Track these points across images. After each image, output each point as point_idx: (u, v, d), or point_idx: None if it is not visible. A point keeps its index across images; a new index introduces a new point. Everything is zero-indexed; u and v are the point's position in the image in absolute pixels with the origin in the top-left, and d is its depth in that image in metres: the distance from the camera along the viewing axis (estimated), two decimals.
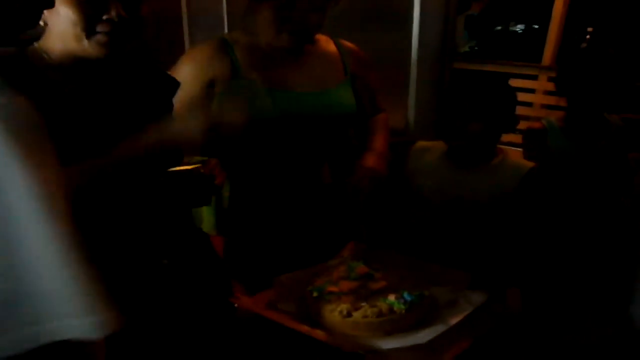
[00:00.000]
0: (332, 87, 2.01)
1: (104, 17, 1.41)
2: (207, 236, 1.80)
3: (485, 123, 1.93)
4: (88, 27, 1.41)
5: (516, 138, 4.06)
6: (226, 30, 3.73)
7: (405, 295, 1.54)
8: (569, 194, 2.14)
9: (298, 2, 1.83)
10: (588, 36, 4.76)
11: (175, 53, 3.02)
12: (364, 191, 1.90)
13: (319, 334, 1.47)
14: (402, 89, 3.23)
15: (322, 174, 2.01)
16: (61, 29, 1.44)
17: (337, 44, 2.09)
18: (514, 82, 4.23)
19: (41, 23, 1.46)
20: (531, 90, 4.26)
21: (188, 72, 1.90)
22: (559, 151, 2.26)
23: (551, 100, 4.16)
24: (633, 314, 1.62)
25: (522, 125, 4.04)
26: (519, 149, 3.09)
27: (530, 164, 2.03)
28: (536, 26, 6.44)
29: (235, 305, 1.61)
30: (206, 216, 1.95)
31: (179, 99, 1.85)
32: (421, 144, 2.19)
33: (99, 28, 1.42)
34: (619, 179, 2.13)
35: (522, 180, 1.96)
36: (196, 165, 1.55)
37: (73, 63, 1.49)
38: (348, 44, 2.12)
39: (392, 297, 1.54)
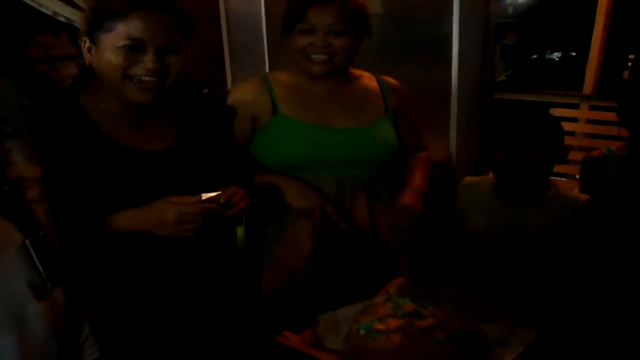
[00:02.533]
0: (372, 124, 1.97)
1: (142, 65, 1.49)
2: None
3: (544, 156, 1.87)
4: (125, 73, 1.49)
5: (564, 168, 4.00)
6: (267, 68, 3.74)
7: (455, 332, 1.47)
8: (629, 227, 2.04)
9: (317, 27, 1.83)
10: (630, 63, 4.67)
11: (220, 89, 3.03)
12: (402, 228, 1.85)
13: None
14: (443, 121, 3.17)
15: (361, 212, 1.96)
16: (104, 72, 1.52)
17: (378, 80, 2.07)
18: (556, 112, 4.16)
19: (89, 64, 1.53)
20: (573, 120, 4.18)
21: (234, 110, 1.91)
22: (618, 181, 2.16)
23: (594, 129, 4.09)
24: None
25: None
26: (562, 179, 3.02)
27: (584, 197, 1.95)
28: (573, 54, 6.35)
29: (280, 342, 1.56)
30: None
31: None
32: (469, 179, 2.13)
33: (132, 72, 1.50)
34: None
35: (578, 213, 1.89)
36: (217, 193, 1.54)
37: (123, 108, 1.55)
38: (390, 80, 2.09)
39: (440, 335, 1.47)
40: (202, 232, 1.53)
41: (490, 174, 2.04)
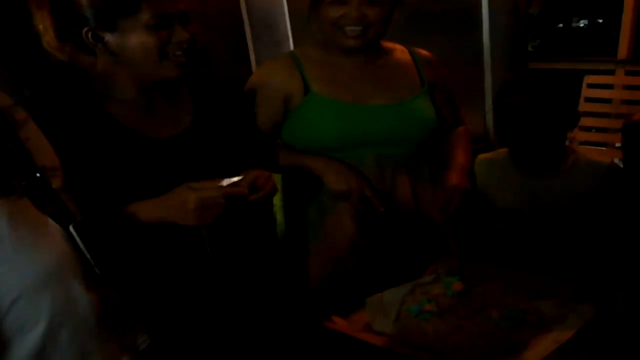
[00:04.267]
0: (409, 99, 1.93)
1: (173, 40, 1.46)
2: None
3: (551, 121, 1.83)
4: (162, 51, 1.46)
5: (599, 137, 3.94)
6: (291, 44, 3.70)
7: (510, 311, 1.45)
8: None
9: None
10: None
11: (243, 70, 3.01)
12: (455, 209, 1.82)
13: (421, 355, 1.38)
14: (478, 93, 3.14)
15: (404, 192, 1.93)
16: (135, 56, 1.47)
17: (412, 53, 2.01)
18: (590, 79, 4.09)
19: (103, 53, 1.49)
20: (609, 86, 4.10)
21: (261, 93, 1.87)
22: None
23: (631, 95, 4.02)
24: None
25: (603, 122, 3.92)
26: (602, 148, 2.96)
27: (607, 160, 1.94)
28: (600, 20, 6.27)
29: (329, 328, 1.55)
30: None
31: (260, 121, 1.86)
32: (483, 156, 2.10)
33: (169, 50, 1.47)
34: None
35: (604, 178, 1.87)
36: (239, 178, 1.48)
37: (138, 94, 1.53)
38: (424, 52, 2.04)
39: (494, 314, 1.45)
40: (229, 219, 1.50)
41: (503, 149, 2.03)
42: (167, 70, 1.49)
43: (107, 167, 1.45)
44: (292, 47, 3.62)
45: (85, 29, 1.45)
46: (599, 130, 4.03)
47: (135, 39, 1.45)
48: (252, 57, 3.74)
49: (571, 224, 1.87)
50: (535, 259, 1.83)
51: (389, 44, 1.99)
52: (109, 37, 1.45)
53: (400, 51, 2.00)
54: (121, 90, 1.52)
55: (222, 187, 1.43)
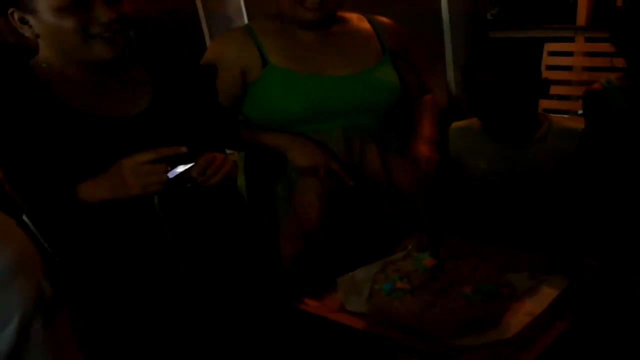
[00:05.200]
0: (371, 67, 1.93)
1: (96, 20, 1.42)
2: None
3: (517, 94, 1.86)
4: (84, 32, 1.42)
5: (561, 104, 4.00)
6: (245, 19, 3.67)
7: (482, 286, 1.47)
8: (634, 155, 2.06)
9: None
10: None
11: (196, 47, 2.98)
12: (428, 182, 1.83)
13: (392, 334, 1.41)
14: (439, 64, 3.16)
15: (373, 163, 1.93)
16: (57, 39, 1.45)
17: (371, 21, 2.01)
18: (550, 46, 4.14)
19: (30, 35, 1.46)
20: (569, 54, 4.16)
21: (217, 67, 1.86)
22: (621, 111, 2.17)
23: (591, 62, 4.08)
24: None
25: (565, 90, 3.98)
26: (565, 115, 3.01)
27: (580, 126, 1.98)
28: None
29: (301, 309, 1.56)
30: None
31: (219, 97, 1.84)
32: (457, 124, 2.13)
33: (93, 30, 1.43)
34: None
35: (579, 145, 1.91)
36: (191, 165, 1.46)
37: (84, 73, 1.50)
38: (383, 19, 2.04)
39: (467, 290, 1.47)
40: (187, 201, 1.50)
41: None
42: (98, 51, 1.45)
43: (54, 149, 1.42)
44: (246, 22, 3.60)
45: (10, 11, 1.42)
46: (561, 97, 4.09)
47: (53, 21, 1.41)
48: (206, 32, 3.71)
49: (545, 192, 1.91)
50: (508, 230, 1.87)
51: (347, 14, 1.99)
52: (30, 19, 1.43)
53: (358, 20, 2.00)
54: (63, 71, 1.49)
55: (159, 150, 1.41)
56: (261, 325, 1.62)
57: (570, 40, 4.23)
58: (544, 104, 4.13)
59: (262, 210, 1.96)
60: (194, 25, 3.59)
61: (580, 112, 3.83)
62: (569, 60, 4.15)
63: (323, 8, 1.81)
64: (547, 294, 1.49)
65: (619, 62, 2.24)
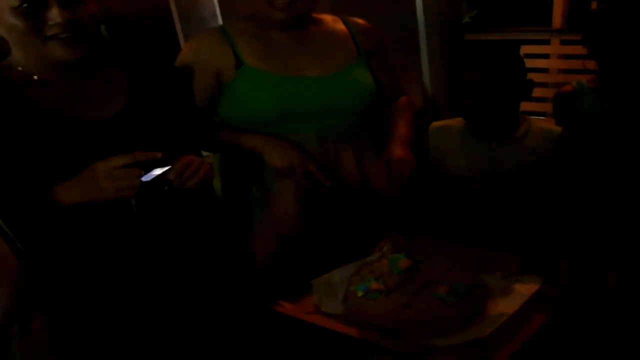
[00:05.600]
0: (346, 69, 1.95)
1: (49, 22, 1.42)
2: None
3: (497, 95, 1.91)
4: (37, 32, 1.43)
5: (538, 106, 4.04)
6: (220, 20, 3.68)
7: (456, 286, 1.49)
8: (606, 158, 2.10)
9: None
10: None
11: (170, 48, 2.97)
12: (403, 184, 1.85)
13: (368, 335, 1.43)
14: (415, 67, 3.18)
15: (349, 165, 1.95)
16: (16, 39, 1.46)
17: (345, 22, 2.03)
18: (526, 49, 4.18)
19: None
20: (545, 56, 4.21)
21: (192, 68, 1.87)
22: (591, 114, 2.21)
23: (567, 64, 4.13)
24: None
25: (541, 92, 4.02)
26: (541, 117, 3.05)
27: (558, 128, 2.01)
28: None
29: (276, 311, 1.57)
30: None
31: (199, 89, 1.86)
32: (437, 124, 2.17)
33: (48, 31, 1.43)
34: None
35: (556, 146, 1.95)
36: (168, 168, 1.47)
37: (56, 74, 1.51)
38: (359, 20, 2.06)
39: (441, 291, 1.49)
40: (164, 205, 1.51)
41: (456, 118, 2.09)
42: (55, 52, 1.46)
43: (27, 151, 1.43)
44: (220, 23, 3.60)
45: None
46: (537, 99, 4.13)
47: (10, 21, 1.42)
48: (180, 33, 3.70)
49: (521, 193, 1.94)
50: (484, 229, 1.90)
51: (321, 15, 2.01)
52: None
53: (333, 21, 2.03)
54: (35, 72, 1.50)
55: (134, 154, 1.41)
56: (237, 326, 1.63)
57: (546, 42, 4.28)
58: (521, 105, 4.18)
59: (238, 213, 1.97)
60: (168, 25, 3.58)
61: None
62: (545, 63, 4.20)
63: (292, 8, 1.83)
64: (520, 294, 1.51)
65: (591, 64, 2.28)
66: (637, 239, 1.86)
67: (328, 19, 2.03)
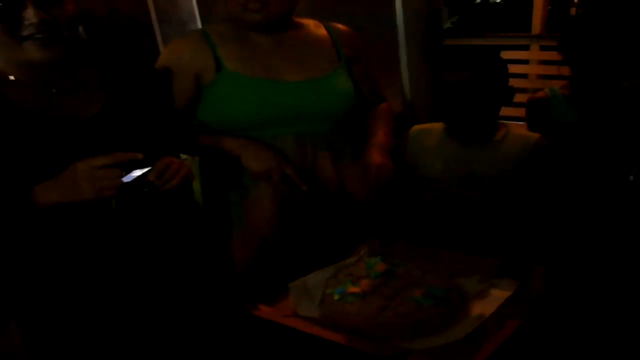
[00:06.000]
0: (326, 75, 1.97)
1: (25, 22, 1.42)
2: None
3: (480, 98, 1.93)
4: (12, 33, 1.43)
5: (516, 112, 4.08)
6: (199, 23, 3.69)
7: (432, 290, 1.51)
8: (579, 164, 2.14)
9: None
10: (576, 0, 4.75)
11: (149, 51, 2.98)
12: (380, 190, 1.87)
13: (344, 338, 1.43)
14: (394, 72, 3.20)
15: (326, 170, 1.97)
16: None
17: (327, 28, 2.05)
18: (506, 55, 4.22)
19: None
20: (525, 62, 4.25)
21: (172, 70, 1.88)
22: (563, 121, 2.25)
23: (546, 70, 4.17)
24: None
25: (520, 97, 4.06)
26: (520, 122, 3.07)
27: (535, 135, 2.04)
28: None
29: (254, 314, 1.58)
30: None
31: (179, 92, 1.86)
32: (418, 127, 2.19)
33: (24, 31, 1.43)
34: (631, 147, 2.13)
35: (532, 152, 1.97)
36: (148, 169, 1.47)
37: (33, 74, 1.51)
38: (341, 26, 2.08)
39: (417, 294, 1.51)
40: (143, 207, 1.51)
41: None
42: (30, 52, 1.45)
43: (4, 151, 1.43)
44: (199, 25, 3.61)
45: None
46: (517, 105, 4.16)
47: None
48: (158, 35, 3.71)
49: (497, 197, 1.96)
50: (461, 233, 1.92)
51: (303, 20, 2.03)
52: None
53: (315, 26, 2.04)
54: (12, 72, 1.50)
55: (114, 155, 1.41)
56: (214, 329, 1.63)
57: (526, 48, 4.32)
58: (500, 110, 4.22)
59: (216, 216, 1.98)
60: (146, 26, 3.59)
61: None
62: (524, 68, 4.24)
63: (266, 10, 1.84)
64: (496, 297, 1.53)
65: (566, 70, 2.31)
66: (606, 244, 1.90)
67: (310, 23, 2.04)
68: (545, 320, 1.52)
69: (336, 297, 1.53)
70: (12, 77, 1.50)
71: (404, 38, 3.25)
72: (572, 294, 1.65)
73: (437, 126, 2.10)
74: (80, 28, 1.57)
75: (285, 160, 1.85)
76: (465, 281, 1.60)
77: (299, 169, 1.87)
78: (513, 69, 4.18)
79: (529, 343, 1.47)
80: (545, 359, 1.48)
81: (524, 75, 4.22)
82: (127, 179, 1.42)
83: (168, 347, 1.59)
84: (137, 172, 1.44)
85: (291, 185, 1.84)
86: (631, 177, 2.11)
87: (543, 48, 4.27)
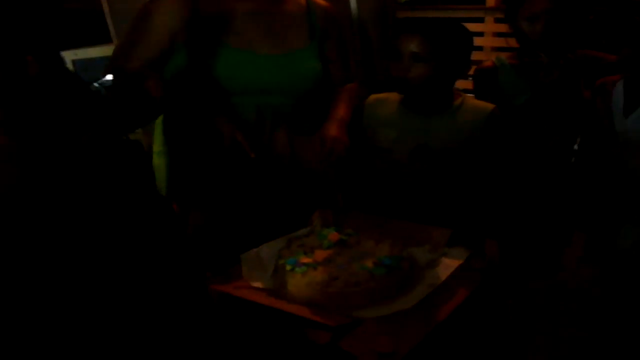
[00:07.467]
0: (296, 50, 2.00)
1: None
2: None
3: (438, 63, 1.94)
4: None
5: (465, 84, 4.13)
6: None
7: (383, 259, 1.55)
8: (526, 133, 2.19)
9: None
10: None
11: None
12: (335, 161, 1.90)
13: (297, 309, 1.46)
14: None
15: (281, 142, 2.00)
16: None
17: (308, 3, 2.06)
18: None
19: None
20: (479, 34, 4.29)
21: (149, 21, 1.88)
22: (509, 90, 2.29)
23: (501, 42, 4.22)
24: (620, 247, 1.67)
25: (474, 70, 4.10)
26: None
27: (491, 105, 2.06)
28: None
29: (207, 285, 1.59)
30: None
31: (149, 46, 1.88)
32: (374, 96, 2.20)
33: None
34: (574, 115, 2.19)
35: (486, 122, 2.00)
36: None
37: None
38: (322, 3, 2.09)
39: (369, 263, 1.54)
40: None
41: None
42: None
43: None
44: None
45: None
46: (471, 77, 4.21)
47: None
48: (112, 32, 3.64)
49: (450, 167, 2.00)
50: (413, 203, 1.96)
51: None
52: None
53: (296, 1, 2.05)
54: None
55: None
56: (166, 301, 1.64)
57: (480, 20, 4.37)
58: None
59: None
60: (100, 24, 3.53)
61: None
62: (480, 41, 4.28)
63: None
64: (447, 266, 1.58)
65: (514, 42, 2.36)
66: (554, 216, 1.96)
67: None
68: (496, 289, 1.57)
69: (288, 267, 1.56)
70: None
71: (356, 10, 3.26)
72: (521, 262, 1.70)
73: (393, 96, 2.12)
74: None
75: (236, 127, 1.87)
76: (417, 250, 1.65)
77: (255, 139, 1.89)
78: None
79: (480, 311, 1.52)
80: (495, 327, 1.52)
81: (479, 48, 4.27)
82: None
83: (121, 321, 1.60)
84: None
85: (240, 152, 1.85)
86: (575, 146, 2.18)
87: (498, 20, 4.32)
